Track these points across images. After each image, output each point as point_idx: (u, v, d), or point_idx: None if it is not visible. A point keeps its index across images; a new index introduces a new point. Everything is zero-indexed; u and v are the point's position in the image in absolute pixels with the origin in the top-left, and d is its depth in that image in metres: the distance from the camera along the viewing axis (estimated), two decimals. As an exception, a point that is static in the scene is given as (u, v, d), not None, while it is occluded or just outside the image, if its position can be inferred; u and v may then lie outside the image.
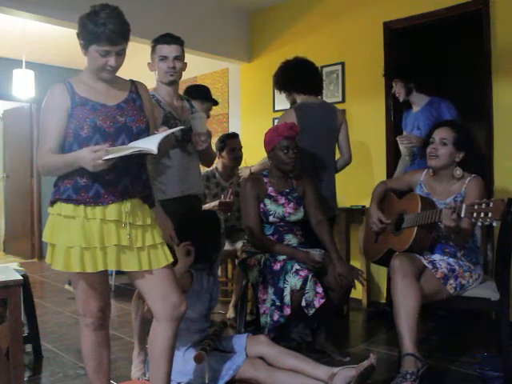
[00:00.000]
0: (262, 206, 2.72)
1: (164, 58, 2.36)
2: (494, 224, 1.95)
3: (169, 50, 2.35)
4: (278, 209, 2.72)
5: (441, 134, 2.44)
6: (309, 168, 2.99)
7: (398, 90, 3.21)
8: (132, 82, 1.90)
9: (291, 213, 2.74)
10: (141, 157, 1.77)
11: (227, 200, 3.36)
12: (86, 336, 1.84)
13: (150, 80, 3.05)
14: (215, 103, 3.58)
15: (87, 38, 1.69)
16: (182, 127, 1.88)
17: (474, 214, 1.98)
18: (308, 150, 2.98)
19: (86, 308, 1.81)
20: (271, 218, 2.70)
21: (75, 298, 1.84)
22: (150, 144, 1.63)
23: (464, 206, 2.06)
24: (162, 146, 1.71)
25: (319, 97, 3.17)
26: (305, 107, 3.05)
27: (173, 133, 1.88)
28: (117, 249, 1.70)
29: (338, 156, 3.18)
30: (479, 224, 2.00)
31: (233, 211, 3.61)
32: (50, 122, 1.72)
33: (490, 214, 1.92)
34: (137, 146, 1.64)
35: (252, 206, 2.70)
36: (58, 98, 1.72)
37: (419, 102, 3.18)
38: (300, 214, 2.77)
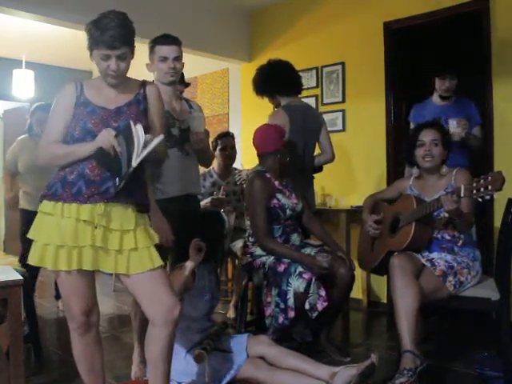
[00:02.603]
0: (275, 202, 2.69)
1: (164, 59, 2.36)
2: (495, 196, 1.96)
3: (169, 50, 2.35)
4: (288, 201, 2.73)
5: (429, 135, 2.49)
6: (299, 167, 3.04)
7: (452, 84, 3.16)
8: (143, 82, 1.90)
9: (296, 203, 2.76)
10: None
11: (219, 197, 3.37)
12: (74, 340, 1.83)
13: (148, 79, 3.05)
14: (187, 85, 3.42)
15: (91, 42, 1.74)
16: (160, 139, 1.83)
17: (474, 191, 2.02)
18: (299, 149, 3.05)
19: (69, 311, 1.79)
20: (288, 212, 2.70)
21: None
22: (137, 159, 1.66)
23: (462, 185, 2.10)
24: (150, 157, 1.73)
25: (299, 96, 3.25)
26: (293, 108, 3.10)
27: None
28: (93, 249, 1.70)
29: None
30: (480, 200, 2.02)
31: (230, 210, 3.61)
32: (57, 118, 1.79)
33: (489, 187, 1.96)
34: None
35: (262, 206, 2.65)
36: (65, 97, 1.79)
37: (450, 97, 3.21)
38: (301, 205, 2.79)
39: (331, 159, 3.25)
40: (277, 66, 3.16)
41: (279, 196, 2.71)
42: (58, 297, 3.91)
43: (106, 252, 1.72)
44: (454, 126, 3.02)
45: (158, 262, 1.76)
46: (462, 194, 2.10)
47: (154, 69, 2.42)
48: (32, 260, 1.73)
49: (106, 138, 1.68)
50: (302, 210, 2.81)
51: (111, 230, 1.72)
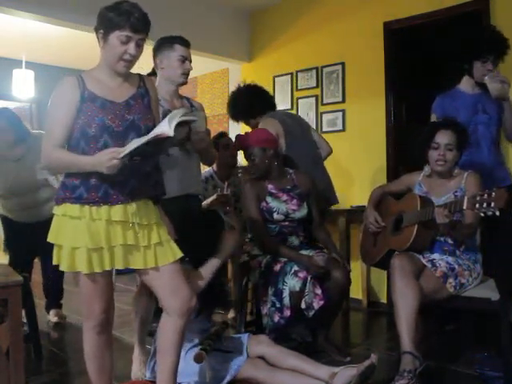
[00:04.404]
0: (264, 204, 2.70)
1: (184, 59, 2.42)
2: (497, 213, 1.95)
3: (187, 52, 2.44)
4: (280, 205, 2.71)
5: (445, 138, 2.42)
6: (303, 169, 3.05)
7: (494, 67, 2.72)
8: (140, 76, 1.89)
9: (295, 209, 2.73)
10: (158, 148, 1.75)
11: (224, 193, 3.36)
12: (89, 339, 1.83)
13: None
14: None
15: (109, 25, 1.70)
16: (195, 118, 1.85)
17: (477, 205, 2.01)
18: (298, 151, 3.06)
19: (90, 310, 1.80)
20: (276, 215, 2.68)
21: (80, 300, 1.82)
22: (163, 127, 1.58)
23: (466, 197, 2.08)
24: (182, 133, 1.76)
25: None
26: (278, 114, 3.17)
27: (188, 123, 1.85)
28: (123, 248, 1.73)
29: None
30: (482, 214, 2.01)
31: (230, 209, 3.60)
32: (58, 116, 1.71)
33: (492, 204, 1.94)
34: (150, 135, 1.61)
35: (253, 206, 2.69)
36: (67, 92, 1.71)
37: (481, 84, 2.79)
38: (304, 211, 2.76)
39: (330, 151, 3.30)
40: (246, 92, 3.24)
41: (269, 199, 2.71)
42: (48, 308, 3.60)
43: (135, 249, 1.75)
44: (491, 83, 2.59)
45: (179, 253, 1.83)
46: (464, 207, 2.08)
47: (167, 65, 2.43)
48: (63, 266, 1.70)
49: (112, 166, 1.60)
50: (306, 217, 2.78)
51: (141, 226, 1.75)
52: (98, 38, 1.76)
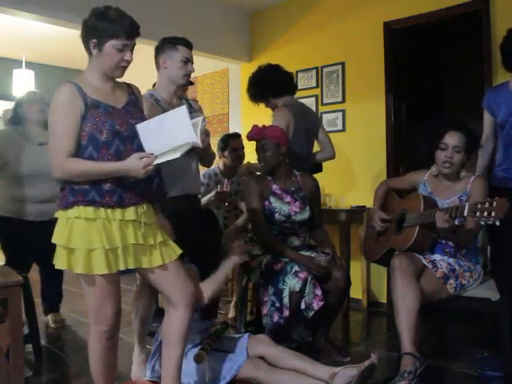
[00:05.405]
0: (266, 203, 2.69)
1: (187, 61, 2.44)
2: (497, 223, 1.94)
3: (190, 54, 2.45)
4: (283, 206, 2.70)
5: (454, 140, 2.38)
6: (306, 165, 3.05)
7: None
8: (127, 84, 1.92)
9: (297, 212, 2.71)
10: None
11: (223, 190, 3.35)
12: (98, 344, 1.81)
13: (149, 80, 3.05)
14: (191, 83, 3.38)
15: (102, 35, 1.71)
16: (204, 120, 1.90)
17: (477, 213, 2.00)
18: (304, 147, 3.06)
19: (101, 314, 1.77)
20: (277, 216, 2.68)
21: (88, 305, 1.80)
22: (193, 139, 1.68)
23: (467, 204, 2.07)
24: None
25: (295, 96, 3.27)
26: (294, 105, 3.12)
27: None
28: (134, 248, 1.75)
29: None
30: (482, 223, 2.00)
31: (230, 209, 3.60)
32: (65, 124, 1.68)
33: (493, 213, 1.93)
34: (179, 143, 1.69)
35: (256, 203, 2.68)
36: (69, 99, 1.70)
37: None
38: (306, 214, 2.75)
39: (333, 156, 3.27)
40: (268, 69, 3.20)
41: (272, 199, 2.71)
42: (46, 312, 3.46)
43: (143, 248, 1.78)
44: None
45: (179, 250, 1.89)
46: (465, 213, 2.08)
47: (169, 65, 2.43)
48: (78, 269, 1.69)
49: (148, 171, 1.70)
50: (308, 219, 2.77)
51: (147, 226, 1.80)
52: (88, 46, 1.75)
